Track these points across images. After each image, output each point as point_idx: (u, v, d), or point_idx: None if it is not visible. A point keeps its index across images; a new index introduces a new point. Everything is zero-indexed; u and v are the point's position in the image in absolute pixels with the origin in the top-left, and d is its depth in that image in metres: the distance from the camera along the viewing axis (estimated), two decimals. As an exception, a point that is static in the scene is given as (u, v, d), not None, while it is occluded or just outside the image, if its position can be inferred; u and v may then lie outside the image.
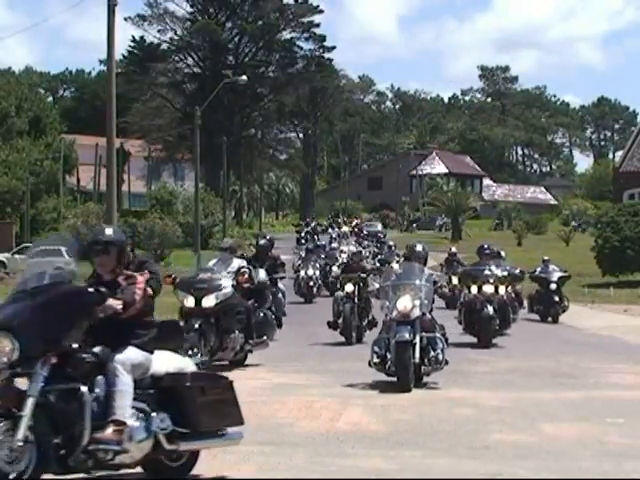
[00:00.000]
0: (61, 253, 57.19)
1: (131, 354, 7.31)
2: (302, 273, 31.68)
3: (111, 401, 7.11)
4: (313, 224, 61.57)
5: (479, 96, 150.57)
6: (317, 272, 31.86)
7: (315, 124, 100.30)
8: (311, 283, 31.43)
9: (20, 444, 6.75)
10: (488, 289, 18.41)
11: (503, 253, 36.19)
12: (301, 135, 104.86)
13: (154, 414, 7.32)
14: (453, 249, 33.15)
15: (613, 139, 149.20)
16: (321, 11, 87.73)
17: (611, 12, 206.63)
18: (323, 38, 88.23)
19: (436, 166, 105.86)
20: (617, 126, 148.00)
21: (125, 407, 7.13)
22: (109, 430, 7.03)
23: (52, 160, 66.15)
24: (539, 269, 26.45)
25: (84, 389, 7.03)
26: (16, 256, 50.22)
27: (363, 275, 19.31)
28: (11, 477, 6.76)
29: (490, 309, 18.06)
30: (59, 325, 7.09)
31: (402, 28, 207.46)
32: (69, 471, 7.03)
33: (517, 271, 23.03)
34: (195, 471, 7.86)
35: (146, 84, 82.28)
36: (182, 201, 69.01)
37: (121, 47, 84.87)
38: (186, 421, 7.40)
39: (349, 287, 19.05)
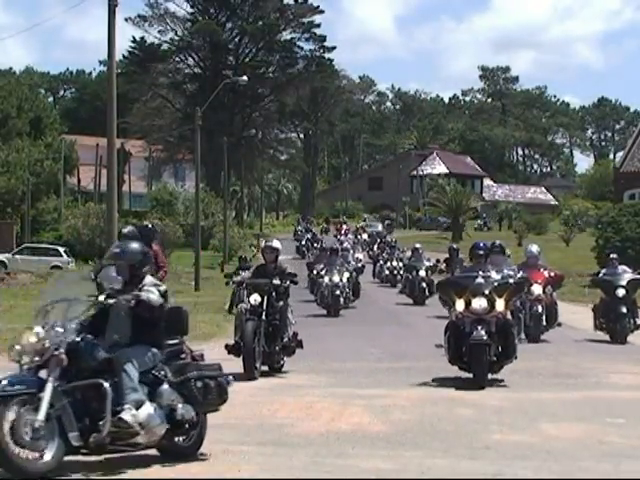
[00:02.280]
0: (60, 253, 56.82)
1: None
2: (326, 280, 27.09)
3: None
4: (310, 233, 59.17)
5: (479, 96, 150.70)
6: (345, 278, 27.26)
7: (316, 124, 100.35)
8: (337, 292, 26.82)
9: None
10: (479, 304, 13.17)
11: (418, 245, 33.66)
12: (302, 135, 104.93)
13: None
14: (417, 245, 33.44)
15: (614, 139, 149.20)
16: (321, 11, 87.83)
17: (609, 12, 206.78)
18: (323, 38, 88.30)
19: (437, 166, 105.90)
20: (617, 126, 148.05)
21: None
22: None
23: (53, 160, 66.15)
24: (605, 270, 21.43)
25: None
26: (16, 256, 50.27)
27: (277, 282, 14.45)
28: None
29: (482, 332, 12.92)
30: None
31: (400, 28, 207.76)
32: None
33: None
34: (195, 471, 7.87)
35: (147, 84, 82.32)
36: (183, 201, 69.03)
37: (122, 47, 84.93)
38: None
39: (254, 298, 14.31)
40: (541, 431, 9.85)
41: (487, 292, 13.17)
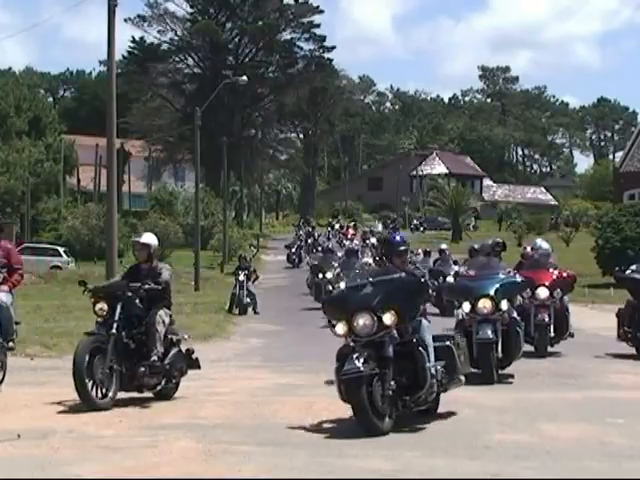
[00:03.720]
0: (59, 253, 56.93)
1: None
2: (342, 286, 25.85)
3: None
4: (312, 238, 56.13)
5: (479, 96, 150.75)
6: None
7: (315, 124, 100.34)
8: None
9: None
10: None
11: (444, 246, 30.99)
12: (301, 135, 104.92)
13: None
14: (443, 245, 31.50)
15: (613, 139, 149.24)
16: (321, 11, 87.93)
17: (608, 12, 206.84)
18: (323, 38, 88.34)
19: (436, 166, 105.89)
20: (617, 126, 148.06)
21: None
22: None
23: (52, 160, 66.18)
24: (635, 266, 17.20)
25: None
26: (16, 256, 50.24)
27: (135, 285, 11.68)
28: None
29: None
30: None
31: (398, 28, 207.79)
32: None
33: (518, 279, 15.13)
34: (195, 471, 7.87)
35: (146, 84, 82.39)
36: (182, 201, 69.09)
37: (121, 47, 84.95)
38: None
39: (100, 307, 11.74)
40: (541, 431, 9.85)
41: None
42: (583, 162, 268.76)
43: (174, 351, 11.85)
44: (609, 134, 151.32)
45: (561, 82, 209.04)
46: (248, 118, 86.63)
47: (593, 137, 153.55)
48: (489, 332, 13.32)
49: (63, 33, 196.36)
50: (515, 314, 14.25)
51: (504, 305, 13.71)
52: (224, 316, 27.25)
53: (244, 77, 54.97)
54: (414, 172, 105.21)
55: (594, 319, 25.50)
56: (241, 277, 29.22)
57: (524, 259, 19.18)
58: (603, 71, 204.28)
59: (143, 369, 11.36)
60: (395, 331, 9.63)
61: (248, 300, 29.05)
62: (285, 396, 12.01)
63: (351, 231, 59.36)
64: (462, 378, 10.74)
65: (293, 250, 53.14)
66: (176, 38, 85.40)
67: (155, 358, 11.45)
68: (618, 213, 41.46)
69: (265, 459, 8.33)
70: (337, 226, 68.73)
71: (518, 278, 14.85)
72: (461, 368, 10.61)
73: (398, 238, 11.05)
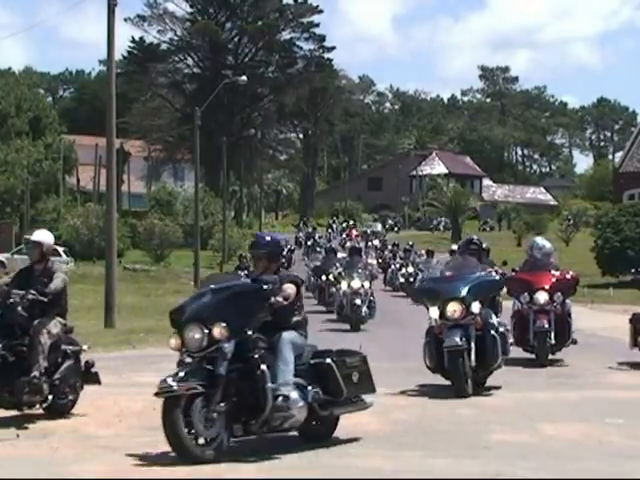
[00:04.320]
0: (59, 253, 56.87)
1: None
2: (344, 286, 22.92)
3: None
4: (312, 240, 54.92)
5: (479, 96, 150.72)
6: (367, 284, 23.08)
7: (315, 124, 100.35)
8: (358, 301, 22.39)
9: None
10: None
11: (455, 246, 28.02)
12: (301, 135, 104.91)
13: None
14: (455, 246, 29.59)
15: (613, 139, 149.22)
16: (321, 11, 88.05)
17: (607, 12, 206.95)
18: (323, 38, 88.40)
19: (436, 166, 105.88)
20: (617, 126, 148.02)
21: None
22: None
23: (52, 160, 66.17)
24: None
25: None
26: (15, 256, 50.26)
27: (18, 292, 10.44)
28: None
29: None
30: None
31: (398, 28, 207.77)
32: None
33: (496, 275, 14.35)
34: (195, 472, 7.86)
35: (146, 84, 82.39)
36: (182, 201, 69.08)
37: (121, 47, 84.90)
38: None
39: None
40: (541, 431, 9.85)
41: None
42: (583, 162, 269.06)
43: (67, 364, 10.54)
44: (609, 134, 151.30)
45: (561, 82, 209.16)
46: (248, 118, 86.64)
47: (593, 137, 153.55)
48: (456, 338, 11.89)
49: (63, 33, 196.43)
50: (494, 318, 12.75)
51: (475, 307, 12.15)
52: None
53: (244, 77, 55.01)
54: (414, 172, 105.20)
55: (594, 319, 25.52)
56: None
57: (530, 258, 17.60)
58: (603, 71, 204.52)
59: (22, 385, 9.96)
60: (227, 345, 8.26)
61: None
62: (285, 396, 11.98)
63: (354, 232, 58.42)
64: (368, 400, 9.38)
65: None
66: (176, 38, 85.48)
67: (36, 373, 9.99)
68: (618, 213, 41.47)
69: (265, 459, 8.33)
70: (335, 226, 68.48)
71: (493, 276, 13.51)
72: (352, 389, 9.13)
73: (268, 238, 9.45)
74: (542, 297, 15.46)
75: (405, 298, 32.43)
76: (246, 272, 29.71)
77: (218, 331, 8.31)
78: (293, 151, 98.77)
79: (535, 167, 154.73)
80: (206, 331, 8.32)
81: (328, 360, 8.96)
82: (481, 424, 10.16)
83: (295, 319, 8.97)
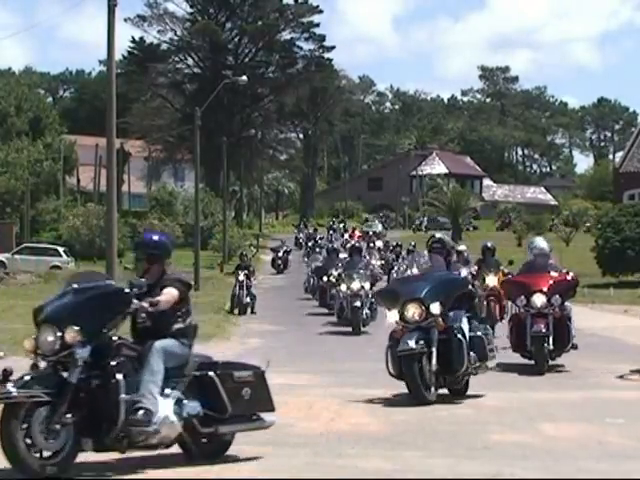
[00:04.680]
0: (59, 253, 56.88)
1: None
2: (343, 288, 22.55)
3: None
4: (312, 241, 53.30)
5: (479, 96, 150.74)
6: (367, 284, 22.50)
7: (315, 124, 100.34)
8: (357, 303, 21.84)
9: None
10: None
11: (463, 247, 25.78)
12: (301, 135, 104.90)
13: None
14: (462, 247, 26.51)
15: (613, 140, 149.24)
16: (321, 11, 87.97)
17: (606, 12, 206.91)
18: (323, 38, 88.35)
19: (436, 166, 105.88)
20: (617, 127, 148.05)
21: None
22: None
23: (52, 160, 66.17)
24: None
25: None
26: (16, 256, 50.28)
27: None
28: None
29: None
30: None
31: (397, 28, 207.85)
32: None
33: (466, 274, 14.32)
34: (195, 471, 7.87)
35: (146, 84, 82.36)
36: (182, 201, 69.07)
37: (121, 47, 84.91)
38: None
39: None
40: (541, 431, 9.85)
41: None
42: (583, 162, 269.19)
43: None
44: (609, 134, 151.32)
45: (561, 82, 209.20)
46: (248, 118, 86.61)
47: (593, 137, 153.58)
48: (410, 342, 11.09)
49: (63, 33, 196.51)
50: (464, 322, 11.75)
51: (435, 309, 11.35)
52: (224, 316, 27.26)
53: (244, 77, 55.03)
54: (414, 172, 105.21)
55: (594, 319, 25.52)
56: (241, 277, 29.21)
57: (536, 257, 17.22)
58: (603, 71, 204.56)
59: None
60: (80, 351, 7.58)
61: (248, 300, 29.04)
62: (285, 396, 11.99)
63: (357, 233, 57.81)
64: (268, 419, 8.58)
65: (279, 254, 49.27)
66: (176, 38, 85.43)
67: None
68: (618, 213, 41.48)
69: (265, 459, 8.33)
70: (336, 226, 68.28)
71: (456, 275, 12.72)
72: (241, 406, 8.32)
73: (154, 238, 8.76)
74: (539, 300, 14.71)
75: None
76: (246, 272, 29.82)
77: (71, 335, 7.65)
78: (293, 151, 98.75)
79: (535, 167, 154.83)
80: (59, 334, 7.68)
81: (210, 373, 8.23)
82: (481, 424, 10.16)
83: (176, 326, 8.24)
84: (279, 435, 9.34)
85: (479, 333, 11.96)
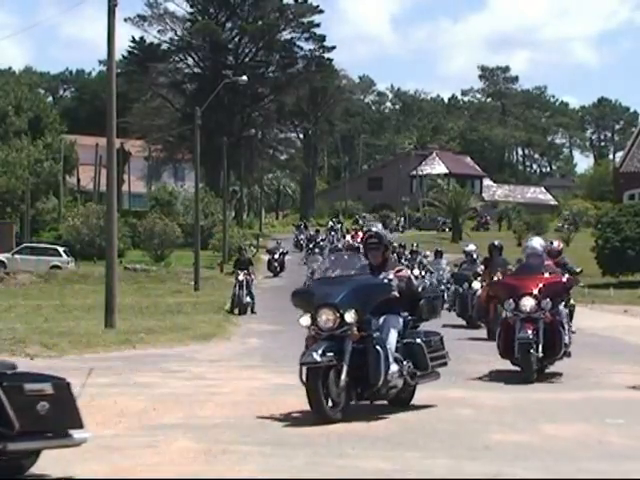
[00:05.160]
0: (59, 253, 57.03)
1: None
2: None
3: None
4: (313, 243, 53.26)
5: (479, 96, 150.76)
6: None
7: (315, 124, 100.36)
8: None
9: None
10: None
11: (472, 247, 25.76)
12: (301, 135, 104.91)
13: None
14: (471, 246, 26.40)
15: (613, 140, 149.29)
16: (321, 11, 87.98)
17: (606, 12, 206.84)
18: (323, 38, 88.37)
19: (436, 166, 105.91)
20: (617, 127, 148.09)
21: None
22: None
23: (52, 160, 66.21)
24: None
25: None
26: (16, 256, 50.29)
27: None
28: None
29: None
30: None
31: (397, 28, 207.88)
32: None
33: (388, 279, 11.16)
34: (195, 471, 7.87)
35: (146, 84, 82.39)
36: (182, 201, 69.10)
37: (121, 47, 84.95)
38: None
39: None
40: (541, 431, 9.85)
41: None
42: (583, 162, 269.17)
43: None
44: (609, 134, 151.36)
45: (561, 82, 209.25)
46: (248, 118, 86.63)
47: (593, 137, 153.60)
48: (316, 354, 9.91)
49: (63, 33, 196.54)
50: (392, 331, 10.60)
51: (349, 317, 10.12)
52: (224, 316, 27.28)
53: (244, 77, 55.04)
54: (414, 172, 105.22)
55: (594, 319, 25.56)
56: (241, 277, 29.22)
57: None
58: (603, 71, 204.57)
59: None
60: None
61: (248, 300, 29.04)
62: (285, 396, 12.00)
63: (360, 234, 57.23)
64: (77, 436, 7.60)
65: (276, 256, 47.92)
66: (176, 38, 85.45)
67: None
68: (618, 213, 41.50)
69: (265, 459, 8.33)
70: (337, 227, 68.09)
71: (379, 280, 10.84)
72: (33, 423, 7.30)
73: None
74: (528, 303, 13.73)
75: None
76: (246, 270, 29.78)
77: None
78: (293, 151, 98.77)
79: (535, 167, 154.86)
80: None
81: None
82: (481, 424, 10.16)
83: None
84: (279, 435, 9.35)
85: (418, 340, 10.87)
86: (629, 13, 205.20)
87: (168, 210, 65.43)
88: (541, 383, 13.57)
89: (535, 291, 13.81)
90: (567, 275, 15.26)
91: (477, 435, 9.50)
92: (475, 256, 24.96)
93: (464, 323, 23.44)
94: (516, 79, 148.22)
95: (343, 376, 10.05)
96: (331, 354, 10.04)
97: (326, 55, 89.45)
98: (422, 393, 12.35)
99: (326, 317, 10.27)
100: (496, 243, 22.63)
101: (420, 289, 11.45)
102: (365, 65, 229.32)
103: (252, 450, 8.59)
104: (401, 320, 10.89)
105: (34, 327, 20.65)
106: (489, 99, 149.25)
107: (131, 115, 78.51)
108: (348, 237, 59.76)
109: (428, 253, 36.37)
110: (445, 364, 11.52)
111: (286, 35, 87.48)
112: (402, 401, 11.07)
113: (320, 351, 9.97)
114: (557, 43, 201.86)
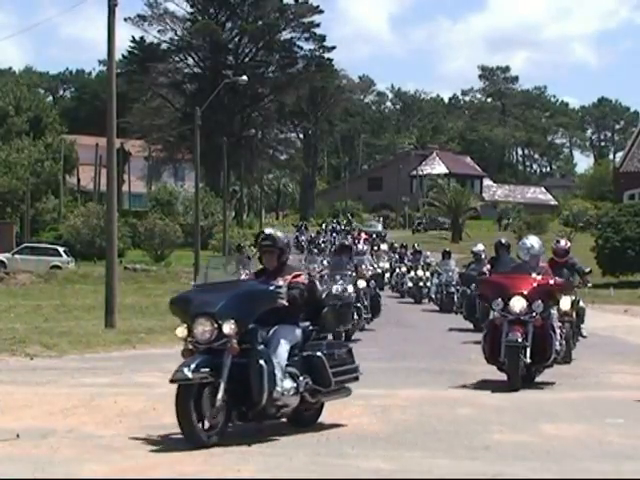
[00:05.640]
0: (59, 253, 56.89)
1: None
2: (334, 290, 20.38)
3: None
4: (313, 244, 53.16)
5: (479, 96, 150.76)
6: (350, 288, 20.46)
7: (315, 124, 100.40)
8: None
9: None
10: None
11: (480, 247, 24.62)
12: (301, 135, 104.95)
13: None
14: (480, 247, 25.18)
15: (613, 139, 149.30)
16: (321, 11, 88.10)
17: (606, 12, 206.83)
18: (323, 38, 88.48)
19: (436, 166, 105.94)
20: (617, 126, 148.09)
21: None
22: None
23: (52, 160, 66.23)
24: None
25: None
26: (16, 256, 50.28)
27: None
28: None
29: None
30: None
31: (397, 28, 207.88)
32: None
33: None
34: (195, 471, 7.86)
35: (146, 84, 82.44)
36: (182, 201, 69.12)
37: (121, 47, 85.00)
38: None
39: None
40: (541, 431, 9.84)
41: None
42: (583, 162, 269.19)
43: None
44: (609, 134, 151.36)
45: (561, 82, 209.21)
46: (248, 118, 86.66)
47: (593, 137, 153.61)
48: (187, 369, 8.78)
49: (63, 33, 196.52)
50: (283, 342, 9.37)
51: (227, 328, 8.96)
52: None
53: (244, 77, 55.03)
54: (414, 172, 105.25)
55: (594, 319, 25.49)
56: (242, 277, 29.15)
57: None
58: (603, 71, 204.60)
59: None
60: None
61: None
62: (285, 396, 11.98)
63: (363, 235, 56.80)
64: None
65: None
66: (176, 38, 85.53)
67: None
68: (618, 213, 41.50)
69: (265, 459, 8.32)
70: (339, 228, 67.99)
71: (263, 287, 9.57)
72: None
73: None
74: (518, 304, 12.72)
75: (413, 305, 31.36)
76: (247, 271, 29.72)
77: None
78: (293, 151, 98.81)
79: (535, 167, 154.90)
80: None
81: None
82: (481, 424, 10.15)
83: None
84: (279, 435, 9.34)
85: (319, 353, 9.71)
86: (629, 13, 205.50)
87: (168, 210, 65.46)
88: (541, 383, 13.56)
89: (526, 292, 12.78)
90: (557, 279, 13.92)
91: (477, 435, 9.50)
92: (483, 256, 24.06)
93: (472, 326, 22.49)
94: (516, 79, 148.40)
95: (220, 395, 8.88)
96: (206, 369, 8.84)
97: (326, 55, 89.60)
98: (422, 393, 12.36)
99: (202, 328, 9.11)
100: (503, 241, 21.80)
101: (324, 296, 10.57)
102: (365, 65, 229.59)
103: (252, 450, 8.59)
104: (299, 331, 9.67)
105: (34, 327, 20.64)
106: (489, 99, 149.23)
107: (131, 115, 78.53)
108: (349, 237, 59.71)
109: (429, 254, 36.20)
110: (356, 379, 10.16)
111: (286, 35, 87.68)
112: (306, 421, 9.85)
113: (193, 366, 8.81)
114: (557, 43, 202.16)
